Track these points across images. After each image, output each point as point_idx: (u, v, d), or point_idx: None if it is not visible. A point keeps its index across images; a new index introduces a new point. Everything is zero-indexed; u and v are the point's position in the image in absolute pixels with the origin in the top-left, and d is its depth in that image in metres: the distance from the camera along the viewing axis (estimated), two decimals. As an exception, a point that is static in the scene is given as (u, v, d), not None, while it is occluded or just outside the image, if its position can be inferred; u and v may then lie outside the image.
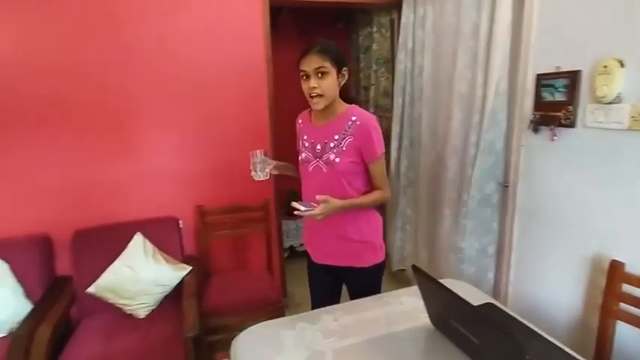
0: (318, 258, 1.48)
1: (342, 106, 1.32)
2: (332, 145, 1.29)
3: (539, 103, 1.55)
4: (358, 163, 1.30)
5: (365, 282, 1.43)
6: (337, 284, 1.52)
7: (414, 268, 1.12)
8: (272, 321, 1.31)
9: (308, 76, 1.23)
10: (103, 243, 1.96)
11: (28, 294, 1.79)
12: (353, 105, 1.34)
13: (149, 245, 1.97)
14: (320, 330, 1.22)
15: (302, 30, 3.43)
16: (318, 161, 1.32)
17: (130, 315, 1.85)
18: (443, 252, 2.12)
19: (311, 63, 1.22)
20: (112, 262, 1.90)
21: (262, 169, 1.39)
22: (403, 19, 2.45)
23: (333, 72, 1.24)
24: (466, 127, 1.92)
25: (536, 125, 1.55)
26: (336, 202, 1.23)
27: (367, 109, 3.07)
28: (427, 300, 1.15)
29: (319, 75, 1.22)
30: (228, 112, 2.23)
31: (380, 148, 1.29)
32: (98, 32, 1.95)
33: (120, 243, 1.95)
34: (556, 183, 1.52)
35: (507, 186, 1.77)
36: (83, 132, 2.00)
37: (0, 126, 1.86)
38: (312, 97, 1.24)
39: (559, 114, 1.44)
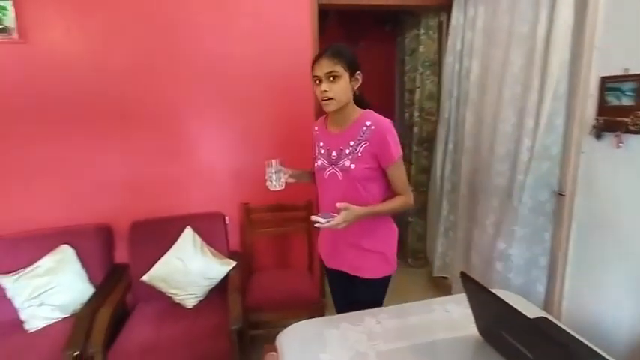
0: (330, 262, 1.48)
1: (357, 112, 1.31)
2: (347, 151, 1.28)
3: (603, 108, 1.46)
4: (375, 169, 1.29)
5: (369, 293, 1.40)
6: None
7: (463, 275, 1.09)
8: (316, 319, 1.34)
9: (320, 81, 1.23)
10: (157, 235, 2.08)
11: (91, 278, 1.95)
12: (368, 110, 1.33)
13: (198, 239, 2.07)
14: (364, 332, 1.23)
15: (348, 33, 3.46)
16: (333, 168, 1.32)
17: (179, 304, 1.95)
18: (488, 259, 2.05)
19: (323, 67, 1.22)
20: (165, 253, 2.01)
21: (278, 178, 1.39)
22: (453, 21, 2.40)
23: (346, 76, 1.23)
24: (518, 131, 1.84)
25: (599, 131, 1.46)
26: (357, 210, 1.21)
27: (412, 113, 3.10)
28: (476, 309, 1.12)
29: (331, 79, 1.21)
30: (276, 114, 2.29)
31: (397, 152, 1.27)
32: (162, 39, 2.07)
33: (171, 235, 2.06)
34: (620, 193, 1.42)
35: (563, 195, 1.68)
36: (143, 132, 2.14)
37: (77, 126, 2.04)
38: (323, 100, 1.24)
39: (626, 119, 1.34)
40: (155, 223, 2.13)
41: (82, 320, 1.64)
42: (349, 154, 1.28)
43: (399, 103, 3.57)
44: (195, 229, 2.10)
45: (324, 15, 2.40)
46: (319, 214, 1.22)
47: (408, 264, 3.23)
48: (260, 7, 2.16)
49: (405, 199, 1.32)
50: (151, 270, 1.97)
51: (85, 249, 1.98)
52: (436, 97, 2.92)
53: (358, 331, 1.24)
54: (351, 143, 1.28)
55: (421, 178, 3.08)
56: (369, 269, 1.37)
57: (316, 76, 1.24)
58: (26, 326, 1.76)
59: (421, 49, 2.92)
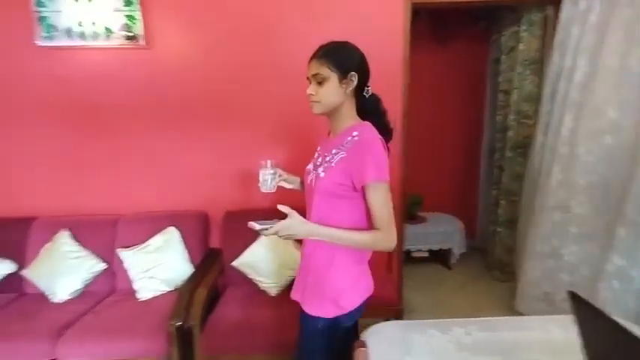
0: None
1: (351, 120, 1.18)
2: (328, 158, 1.16)
3: None
4: (345, 187, 1.11)
5: (304, 332, 1.24)
6: None
7: (573, 295, 0.99)
8: (403, 322, 1.33)
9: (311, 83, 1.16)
10: (245, 224, 2.24)
11: (191, 259, 2.17)
12: (365, 122, 1.18)
13: (283, 232, 2.18)
14: (451, 341, 1.19)
15: (439, 32, 3.33)
16: (314, 173, 1.20)
17: (264, 291, 2.08)
18: (600, 279, 1.82)
19: (311, 69, 1.14)
20: (253, 242, 2.16)
21: (272, 179, 1.33)
22: (563, 15, 2.18)
23: (334, 77, 1.11)
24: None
25: None
26: (306, 224, 1.08)
27: (506, 115, 2.89)
28: (587, 336, 1.01)
29: (318, 82, 1.13)
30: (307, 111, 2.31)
31: (373, 173, 1.06)
32: (256, 46, 2.22)
33: (259, 226, 2.20)
34: None
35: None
36: (239, 128, 2.31)
37: (185, 122, 2.29)
38: (310, 102, 1.16)
39: None
40: (245, 214, 2.29)
41: (183, 296, 1.84)
42: (327, 161, 1.15)
43: (490, 105, 3.35)
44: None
45: (414, 14, 2.35)
46: (259, 221, 1.09)
47: (492, 277, 3.03)
48: (353, 10, 2.20)
49: (380, 236, 1.09)
50: (240, 257, 2.13)
51: (186, 232, 2.21)
52: (535, 98, 2.68)
53: (445, 340, 1.20)
54: (333, 151, 1.15)
55: (514, 186, 2.86)
56: (310, 302, 1.20)
57: (308, 77, 1.17)
58: (138, 295, 2.03)
59: (521, 46, 2.70)
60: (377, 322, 2.06)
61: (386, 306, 1.99)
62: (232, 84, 2.26)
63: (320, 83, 1.12)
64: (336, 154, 1.14)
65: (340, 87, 1.12)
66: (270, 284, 2.07)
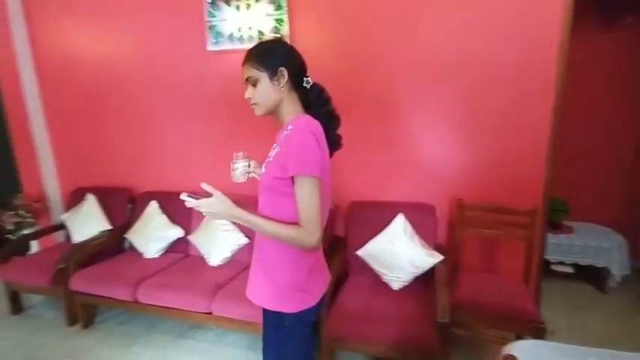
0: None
1: (291, 115, 1.15)
2: (269, 154, 1.17)
3: None
4: (283, 182, 1.07)
5: (276, 331, 1.20)
6: None
7: None
8: (551, 343, 1.19)
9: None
10: (371, 216, 2.29)
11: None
12: (304, 115, 1.14)
13: (409, 227, 2.16)
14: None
15: (606, 13, 2.80)
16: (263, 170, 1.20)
17: (386, 283, 2.11)
18: None
19: (243, 73, 1.14)
20: (377, 233, 2.20)
21: (243, 170, 1.34)
22: None
23: (264, 77, 1.11)
24: None
25: None
26: (223, 204, 1.08)
27: None
28: None
29: (252, 84, 1.13)
30: (502, 106, 2.11)
31: (295, 165, 1.03)
32: (385, 35, 2.22)
33: (384, 219, 2.23)
34: None
35: None
36: (362, 121, 2.36)
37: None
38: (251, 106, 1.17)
39: None
40: (370, 205, 2.35)
41: (312, 276, 1.99)
42: (268, 157, 1.17)
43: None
44: (406, 217, 2.19)
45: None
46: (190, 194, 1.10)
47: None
48: (503, -9, 2.00)
49: (298, 232, 1.05)
50: (365, 247, 2.19)
51: (315, 218, 2.38)
52: None
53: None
54: (274, 146, 1.17)
55: None
56: (255, 290, 1.20)
57: (244, 82, 1.17)
58: (273, 269, 2.28)
59: None
60: (509, 335, 1.90)
61: (525, 321, 1.80)
62: (364, 79, 2.31)
63: (254, 85, 1.13)
64: (274, 149, 1.16)
65: (272, 85, 1.12)
66: (393, 277, 2.08)
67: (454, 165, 2.26)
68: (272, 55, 1.13)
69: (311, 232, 1.06)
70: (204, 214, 1.12)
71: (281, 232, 1.07)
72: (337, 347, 1.90)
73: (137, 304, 2.22)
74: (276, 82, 1.13)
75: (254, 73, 1.12)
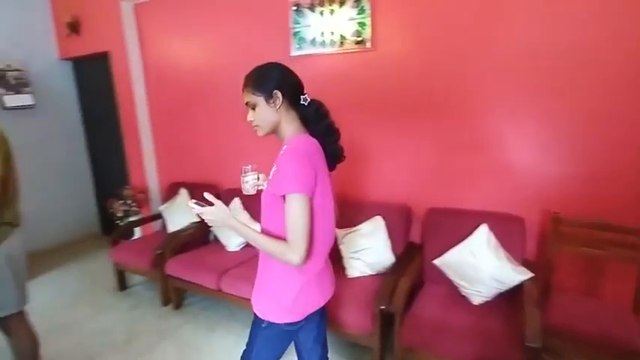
0: None
1: (289, 135, 1.22)
2: (271, 173, 1.22)
3: None
4: (280, 200, 1.14)
5: (252, 330, 1.30)
6: None
7: None
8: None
9: None
10: (450, 224, 2.19)
11: (393, 249, 2.29)
12: (300, 134, 1.22)
13: (492, 239, 2.02)
14: None
15: None
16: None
17: (465, 297, 2.00)
18: None
19: (243, 98, 1.23)
20: (457, 243, 2.09)
21: (253, 183, 1.38)
22: None
23: (261, 101, 1.19)
24: None
25: None
26: (222, 214, 1.20)
27: None
28: None
29: (251, 108, 1.22)
30: (613, 109, 1.86)
31: (288, 185, 1.10)
32: (472, 28, 2.10)
33: (465, 228, 2.11)
34: None
35: None
36: (448, 124, 2.25)
37: (398, 117, 2.41)
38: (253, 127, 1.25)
39: None
40: (450, 213, 2.24)
41: (387, 283, 1.97)
42: (270, 175, 1.22)
43: None
44: (490, 228, 2.05)
45: None
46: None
47: None
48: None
49: (284, 248, 1.11)
50: (443, 256, 2.10)
51: (391, 223, 2.34)
52: None
53: None
54: (274, 165, 1.20)
55: None
56: (255, 301, 1.29)
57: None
58: (347, 272, 2.30)
59: None
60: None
61: (624, 353, 1.57)
62: (447, 80, 2.22)
63: (253, 109, 1.21)
64: (274, 167, 1.19)
65: (269, 107, 1.19)
66: (473, 291, 1.96)
67: (548, 174, 2.05)
68: (266, 79, 1.19)
69: (295, 249, 1.10)
70: (206, 220, 1.23)
71: (269, 246, 1.14)
72: (409, 357, 1.85)
73: (220, 293, 2.40)
74: (272, 104, 1.19)
75: (251, 97, 1.20)
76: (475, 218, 2.12)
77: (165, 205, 3.22)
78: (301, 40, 2.57)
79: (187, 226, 2.97)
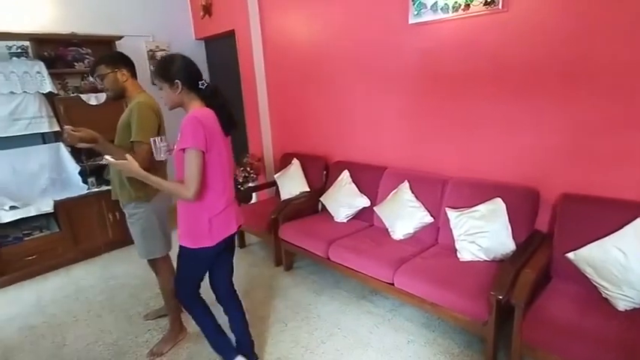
0: None
1: (191, 108, 1.60)
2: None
3: None
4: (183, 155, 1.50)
5: (177, 258, 1.69)
6: None
7: None
8: None
9: None
10: (592, 214, 1.87)
11: (514, 236, 2.07)
12: (199, 107, 1.59)
13: (652, 235, 1.66)
14: None
15: None
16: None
17: (606, 300, 1.71)
18: None
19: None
20: (598, 237, 1.78)
21: (165, 151, 1.66)
22: None
23: (165, 86, 1.56)
24: None
25: None
26: (134, 165, 1.58)
27: None
28: None
29: (160, 89, 1.60)
30: None
31: (184, 141, 1.47)
32: None
33: (610, 220, 1.78)
34: None
35: None
36: (590, 97, 1.87)
37: (526, 88, 2.09)
38: None
39: None
40: (593, 201, 1.91)
41: (507, 271, 1.79)
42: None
43: None
44: (649, 223, 1.68)
45: None
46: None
47: None
48: None
49: (178, 187, 1.54)
50: (580, 250, 1.81)
51: (513, 207, 2.11)
52: None
53: None
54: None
55: None
56: (179, 234, 1.65)
57: None
58: (458, 254, 2.17)
59: None
60: None
61: None
62: (609, 44, 1.82)
63: (161, 89, 1.57)
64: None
65: (172, 91, 1.55)
66: (618, 295, 1.66)
67: None
68: (169, 70, 1.54)
69: (189, 187, 1.48)
70: (118, 168, 1.66)
71: (169, 186, 1.59)
72: (528, 355, 1.68)
73: (328, 261, 2.51)
74: (174, 89, 1.55)
75: (158, 83, 1.58)
76: (628, 210, 1.76)
77: (279, 174, 3.46)
78: (420, 5, 2.39)
79: (299, 194, 3.16)
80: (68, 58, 3.41)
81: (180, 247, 1.64)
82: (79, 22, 3.55)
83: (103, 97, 3.41)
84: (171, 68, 1.54)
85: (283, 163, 3.55)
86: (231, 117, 1.64)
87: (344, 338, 2.14)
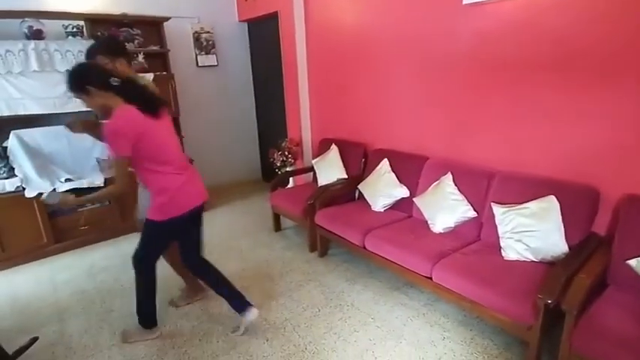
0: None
1: (114, 110, 1.64)
2: None
3: None
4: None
5: (143, 231, 1.90)
6: None
7: None
8: None
9: None
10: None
11: (567, 237, 1.92)
12: (118, 108, 1.64)
13: None
14: None
15: None
16: None
17: (671, 313, 1.56)
18: None
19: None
20: (668, 245, 1.62)
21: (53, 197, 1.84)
22: None
23: (82, 97, 1.66)
24: None
25: None
26: (64, 196, 1.86)
27: None
28: None
29: (82, 101, 1.71)
30: None
31: (109, 150, 1.65)
32: None
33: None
34: None
35: None
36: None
37: (598, 78, 1.90)
38: None
39: None
40: (662, 205, 1.73)
41: (558, 274, 1.67)
42: None
43: None
44: None
45: None
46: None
47: None
48: None
49: (110, 188, 1.89)
50: (644, 257, 1.66)
51: (568, 206, 1.96)
52: None
53: None
54: None
55: None
56: (147, 209, 1.84)
57: None
58: (502, 253, 2.06)
59: None
60: None
61: None
62: None
63: (84, 102, 1.66)
64: None
65: (89, 99, 1.64)
66: (686, 309, 1.51)
67: None
68: (75, 82, 1.62)
69: (116, 185, 1.71)
70: (51, 202, 1.80)
71: (102, 192, 1.87)
72: (577, 365, 1.58)
73: (363, 250, 2.48)
74: (89, 97, 1.62)
75: (76, 97, 1.66)
76: None
77: (316, 159, 3.44)
78: (478, -16, 2.22)
79: (336, 181, 3.13)
80: (119, 38, 3.54)
81: (149, 221, 1.82)
82: (129, 4, 3.66)
83: (150, 76, 3.51)
84: (75, 80, 1.63)
85: (321, 148, 3.52)
86: (153, 100, 1.75)
87: (377, 328, 2.11)
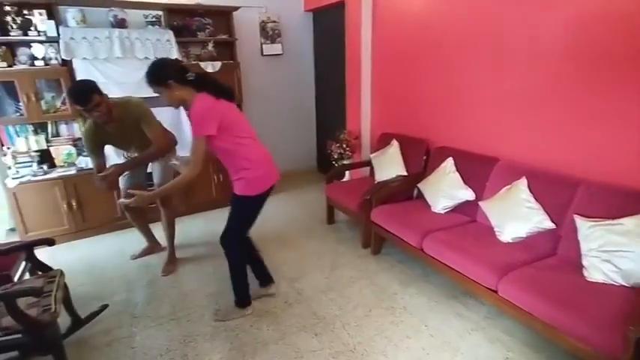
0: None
1: (190, 101, 1.83)
2: None
3: None
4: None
5: (232, 204, 2.03)
6: None
7: None
8: None
9: None
10: None
11: None
12: (197, 96, 1.82)
13: None
14: None
15: None
16: None
17: None
18: None
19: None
20: None
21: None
22: None
23: (162, 90, 1.83)
24: None
25: None
26: (145, 194, 1.99)
27: None
28: None
29: (160, 94, 1.86)
30: None
31: (192, 131, 1.80)
32: None
33: None
34: None
35: None
36: None
37: None
38: None
39: None
40: None
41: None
42: None
43: None
44: None
45: None
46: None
47: None
48: None
49: (182, 177, 1.89)
50: None
51: None
52: None
53: None
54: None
55: None
56: (235, 185, 1.98)
57: None
58: (584, 272, 1.82)
59: None
60: None
61: None
62: None
63: (161, 94, 1.84)
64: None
65: (168, 92, 1.81)
66: None
67: None
68: (158, 77, 1.78)
69: (192, 169, 1.82)
70: (134, 204, 1.94)
71: (174, 183, 1.96)
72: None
73: (420, 252, 2.35)
74: (169, 90, 1.79)
75: (155, 90, 1.83)
76: None
77: (375, 154, 3.33)
78: (578, -35, 1.95)
79: (394, 177, 3.00)
80: (192, 27, 3.69)
81: (240, 197, 1.94)
82: (203, -7, 3.79)
83: (218, 64, 3.63)
84: (158, 75, 1.78)
85: (381, 143, 3.40)
86: (225, 89, 1.88)
87: (430, 337, 2.00)
